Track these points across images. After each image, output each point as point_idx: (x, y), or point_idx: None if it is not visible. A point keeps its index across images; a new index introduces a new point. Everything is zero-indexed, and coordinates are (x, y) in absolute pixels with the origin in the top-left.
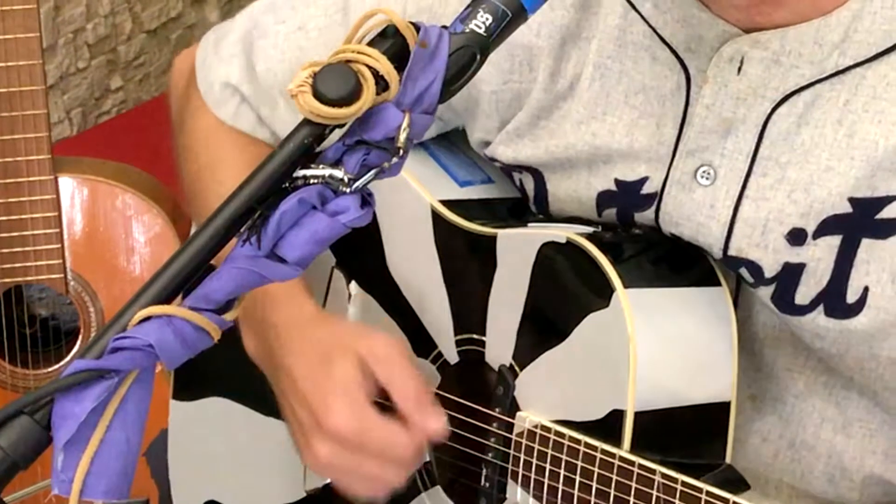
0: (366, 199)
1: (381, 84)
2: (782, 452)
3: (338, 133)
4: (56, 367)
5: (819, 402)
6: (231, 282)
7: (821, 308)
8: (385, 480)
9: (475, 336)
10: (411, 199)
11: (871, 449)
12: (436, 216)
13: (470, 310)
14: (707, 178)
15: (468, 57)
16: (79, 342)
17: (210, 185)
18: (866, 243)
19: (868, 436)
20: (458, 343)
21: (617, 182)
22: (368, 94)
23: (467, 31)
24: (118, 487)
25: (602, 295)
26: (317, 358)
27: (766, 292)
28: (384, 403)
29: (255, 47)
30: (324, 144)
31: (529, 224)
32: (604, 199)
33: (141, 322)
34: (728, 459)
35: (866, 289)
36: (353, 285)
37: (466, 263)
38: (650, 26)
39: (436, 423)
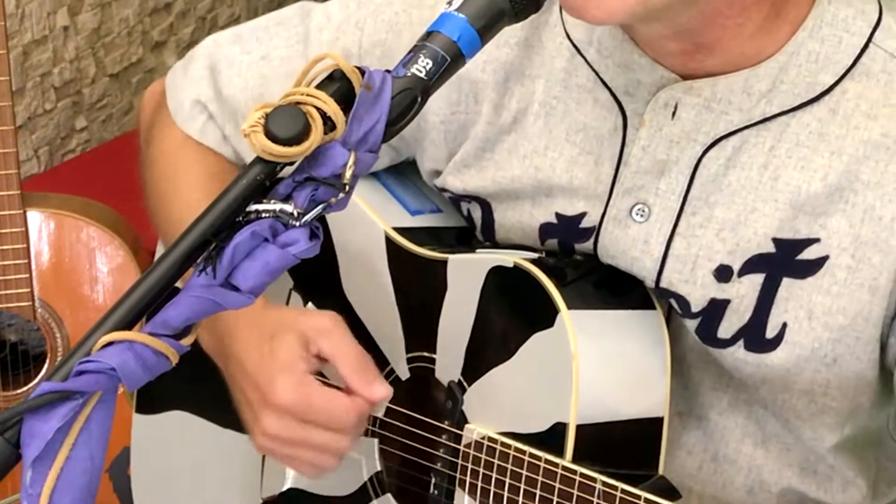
0: (314, 232)
1: (329, 124)
2: (706, 465)
3: (288, 170)
4: (25, 388)
5: (740, 418)
6: (188, 309)
7: (741, 342)
8: (331, 449)
9: (426, 354)
10: (366, 226)
11: (787, 463)
12: (389, 242)
13: (421, 329)
14: (642, 216)
15: (410, 99)
16: (46, 366)
17: (173, 195)
18: (787, 282)
19: (785, 451)
20: (410, 360)
21: (558, 216)
22: (317, 134)
23: (409, 74)
24: (83, 502)
25: (547, 316)
26: (262, 339)
27: (691, 324)
28: (325, 381)
29: (221, 75)
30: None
31: (478, 250)
32: (546, 230)
33: (104, 347)
34: (661, 471)
35: (784, 325)
36: (310, 306)
37: (418, 286)
38: (594, 70)
39: (380, 387)
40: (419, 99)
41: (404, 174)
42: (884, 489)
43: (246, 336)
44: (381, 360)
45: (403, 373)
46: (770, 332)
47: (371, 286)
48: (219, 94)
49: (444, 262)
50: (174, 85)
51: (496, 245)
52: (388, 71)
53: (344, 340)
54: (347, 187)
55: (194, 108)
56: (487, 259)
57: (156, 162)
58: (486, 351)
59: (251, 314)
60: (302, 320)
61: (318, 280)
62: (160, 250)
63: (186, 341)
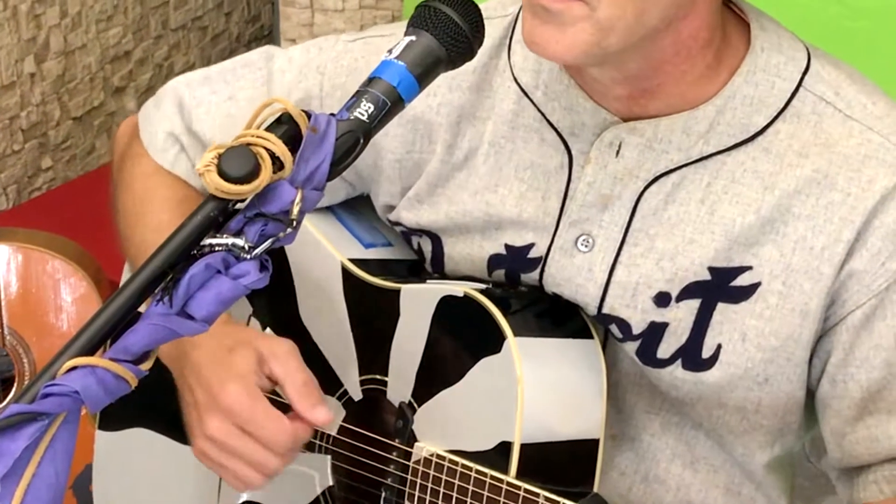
0: (264, 265)
1: (277, 164)
2: (637, 485)
3: (240, 207)
4: None
5: (671, 440)
6: (147, 336)
7: (679, 362)
8: (262, 466)
9: (378, 377)
10: (322, 257)
11: (714, 483)
12: (345, 272)
13: (374, 353)
14: (586, 246)
15: (353, 140)
16: (14, 389)
17: (144, 215)
18: (721, 307)
19: (712, 472)
20: (363, 382)
21: (506, 247)
22: (266, 173)
23: (352, 118)
24: None
25: (494, 342)
26: (220, 348)
27: (631, 347)
28: (276, 399)
29: (192, 113)
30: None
31: (428, 281)
32: (494, 261)
33: (68, 371)
34: (596, 489)
35: (719, 346)
36: (268, 332)
37: (372, 313)
38: (540, 112)
39: (322, 412)
40: (361, 140)
41: (358, 210)
42: None
43: (206, 344)
44: (335, 382)
45: (356, 394)
46: (706, 353)
47: (327, 313)
48: (189, 128)
49: (397, 291)
50: (147, 119)
51: (445, 277)
52: (332, 114)
53: (294, 365)
54: (295, 223)
55: (167, 140)
56: (439, 289)
57: (128, 186)
58: (436, 374)
59: (214, 326)
60: (260, 341)
61: (277, 307)
62: (126, 272)
63: (145, 366)
